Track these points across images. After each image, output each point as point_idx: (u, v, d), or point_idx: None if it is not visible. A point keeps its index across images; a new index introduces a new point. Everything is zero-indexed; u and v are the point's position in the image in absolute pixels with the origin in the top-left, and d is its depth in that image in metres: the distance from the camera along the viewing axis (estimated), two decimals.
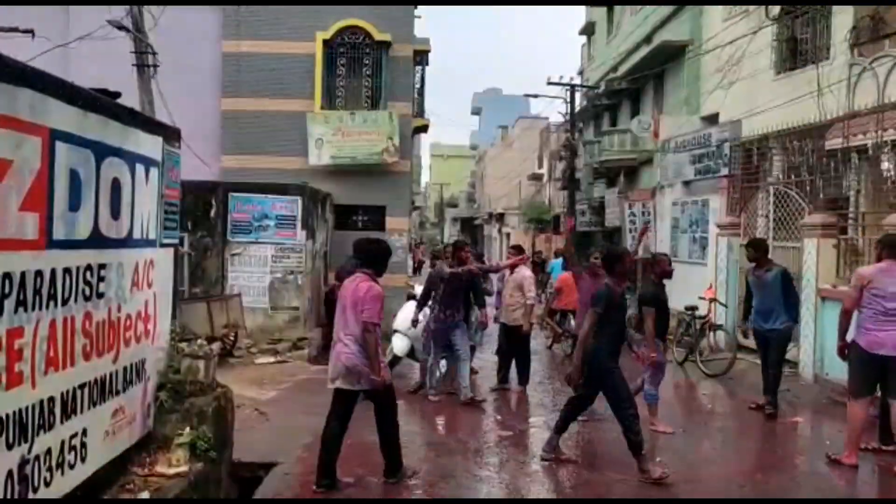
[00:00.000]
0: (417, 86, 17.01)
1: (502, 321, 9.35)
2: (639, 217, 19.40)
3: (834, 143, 10.60)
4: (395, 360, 9.64)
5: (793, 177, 11.67)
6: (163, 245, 4.99)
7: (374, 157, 15.01)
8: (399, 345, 9.57)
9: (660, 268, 7.16)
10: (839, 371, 9.03)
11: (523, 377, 9.27)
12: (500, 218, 47.66)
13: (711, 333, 11.78)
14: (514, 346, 9.22)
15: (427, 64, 17.65)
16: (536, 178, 41.77)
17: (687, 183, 16.81)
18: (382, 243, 5.79)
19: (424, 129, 18.21)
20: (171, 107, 10.41)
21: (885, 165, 9.56)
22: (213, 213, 11.97)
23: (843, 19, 12.73)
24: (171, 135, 5.17)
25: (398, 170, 15.53)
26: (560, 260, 13.44)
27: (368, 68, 15.34)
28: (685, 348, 11.66)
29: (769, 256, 8.30)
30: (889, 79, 11.33)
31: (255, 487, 5.38)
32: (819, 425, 8.03)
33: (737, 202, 13.25)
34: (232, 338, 10.85)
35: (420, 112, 17.24)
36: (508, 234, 45.93)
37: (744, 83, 15.27)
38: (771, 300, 7.74)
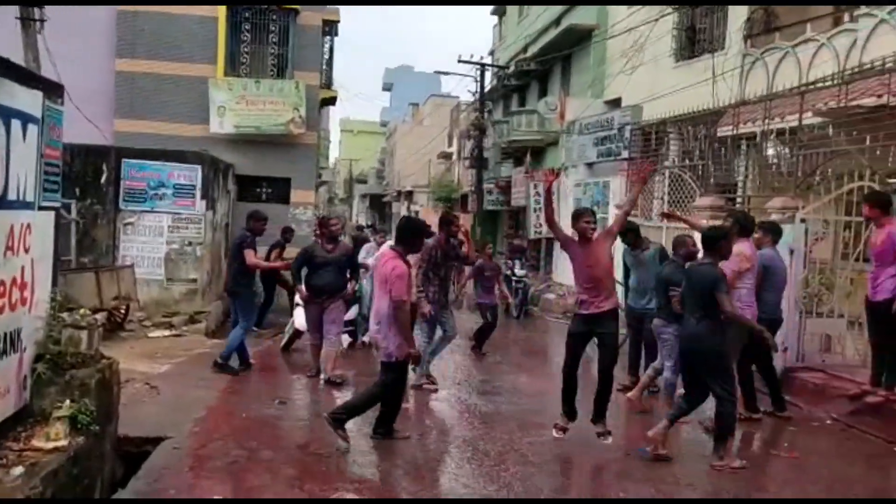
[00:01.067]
0: (326, 56, 16.66)
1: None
2: (544, 197, 19.78)
3: (725, 129, 11.13)
4: (297, 334, 9.49)
5: (687, 161, 12.19)
6: (42, 208, 4.68)
7: (280, 128, 14.63)
8: (301, 319, 9.39)
9: (685, 249, 6.81)
10: None
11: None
12: (409, 195, 47.61)
13: None
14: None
15: (336, 34, 17.30)
16: (446, 156, 41.91)
17: (590, 164, 17.28)
18: (413, 221, 6.13)
19: (332, 101, 17.89)
20: (61, 66, 9.76)
21: (770, 152, 10.11)
22: (104, 179, 11.36)
23: (738, 11, 13.33)
24: (52, 90, 4.84)
25: (304, 142, 15.21)
26: None
27: (275, 35, 14.88)
28: None
29: (643, 236, 8.34)
30: (778, 70, 11.99)
31: (142, 462, 5.19)
32: None
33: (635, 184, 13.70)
34: (123, 310, 10.39)
35: (328, 83, 16.91)
36: (417, 212, 45.95)
37: (646, 69, 15.79)
38: (648, 278, 7.77)
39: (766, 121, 9.97)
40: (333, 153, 74.61)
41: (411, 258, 6.13)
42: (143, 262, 11.33)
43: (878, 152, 7.97)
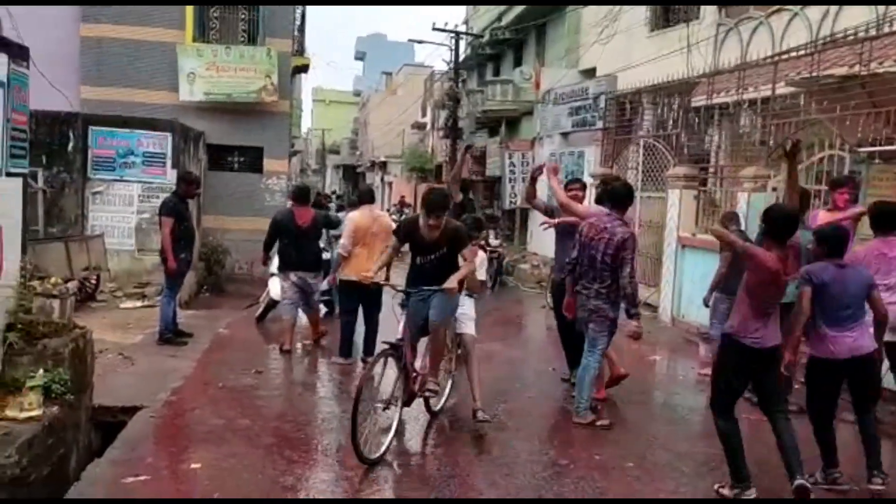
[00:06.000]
0: (297, 23, 16.35)
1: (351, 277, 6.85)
2: (518, 167, 19.79)
3: (699, 100, 11.16)
4: (272, 304, 9.38)
5: (661, 131, 12.23)
6: (9, 174, 4.58)
7: (252, 96, 14.37)
8: (276, 289, 9.29)
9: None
10: (694, 314, 9.74)
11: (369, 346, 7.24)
12: (383, 166, 47.24)
13: None
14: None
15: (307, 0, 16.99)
16: (420, 126, 41.54)
17: (565, 134, 17.29)
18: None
19: (305, 69, 17.62)
20: (23, 29, 9.44)
21: (742, 122, 10.19)
22: (70, 147, 11.10)
23: None
24: (17, 53, 4.70)
25: (277, 110, 14.97)
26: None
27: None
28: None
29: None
30: (752, 40, 12.03)
31: (118, 432, 5.15)
32: (675, 362, 8.63)
33: (610, 154, 13.77)
34: (94, 281, 10.23)
35: (300, 50, 16.62)
36: (391, 183, 45.65)
37: (620, 38, 15.74)
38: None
39: (740, 91, 10.01)
40: (305, 123, 73.59)
41: None
42: (114, 232, 11.13)
43: (847, 122, 8.05)
